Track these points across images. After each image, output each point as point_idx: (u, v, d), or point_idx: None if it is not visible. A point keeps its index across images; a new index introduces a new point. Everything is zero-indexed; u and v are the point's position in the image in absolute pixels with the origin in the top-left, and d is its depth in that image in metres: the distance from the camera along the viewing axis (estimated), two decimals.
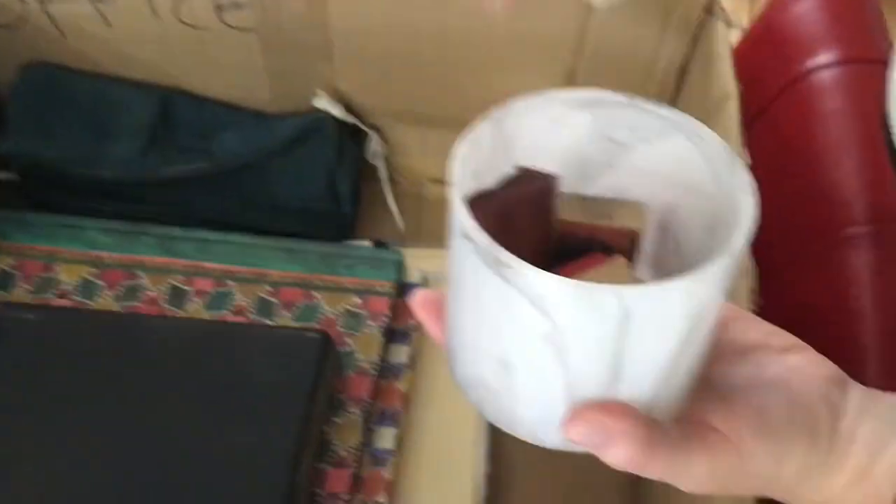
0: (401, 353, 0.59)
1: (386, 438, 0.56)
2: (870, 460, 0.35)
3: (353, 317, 0.58)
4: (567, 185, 0.35)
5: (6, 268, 0.61)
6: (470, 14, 0.57)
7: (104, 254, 0.61)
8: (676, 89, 0.61)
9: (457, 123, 0.66)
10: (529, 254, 0.28)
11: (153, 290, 0.60)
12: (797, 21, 0.70)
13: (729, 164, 0.31)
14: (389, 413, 0.57)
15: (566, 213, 0.35)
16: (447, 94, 0.64)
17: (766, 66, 0.70)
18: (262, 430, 0.49)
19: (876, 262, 0.57)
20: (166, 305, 0.59)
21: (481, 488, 0.57)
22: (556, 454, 0.39)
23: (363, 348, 0.57)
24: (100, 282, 0.60)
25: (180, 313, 0.58)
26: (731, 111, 0.50)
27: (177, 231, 0.62)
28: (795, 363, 0.36)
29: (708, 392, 0.35)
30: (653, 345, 0.30)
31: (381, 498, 0.54)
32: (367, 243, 0.66)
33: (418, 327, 0.61)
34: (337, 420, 0.54)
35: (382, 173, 0.70)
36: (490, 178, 0.34)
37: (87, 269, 0.61)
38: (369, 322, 0.58)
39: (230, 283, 0.60)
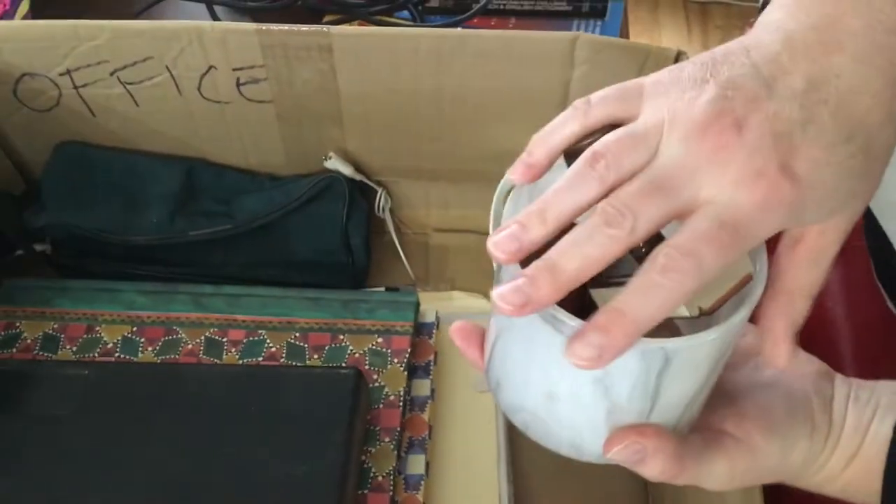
0: (423, 387, 0.64)
1: (416, 465, 0.61)
2: (859, 440, 0.41)
3: (377, 355, 0.63)
4: None
5: (50, 332, 0.65)
6: (463, 76, 0.64)
7: (143, 313, 0.66)
8: None
9: (455, 176, 0.73)
10: (571, 297, 0.33)
11: (190, 343, 0.64)
12: None
13: None
14: (417, 441, 0.62)
15: None
16: (445, 150, 0.70)
17: None
18: (308, 461, 0.54)
19: (845, 277, 0.63)
20: (203, 356, 0.64)
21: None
22: (571, 468, 0.44)
23: (389, 383, 0.62)
24: (140, 339, 0.65)
25: (217, 363, 0.63)
26: None
27: (208, 288, 0.67)
28: None
29: (717, 398, 0.41)
30: (686, 381, 0.36)
31: None
32: (381, 290, 0.72)
33: (437, 362, 0.66)
34: (371, 449, 0.59)
35: (390, 225, 0.76)
36: None
37: (127, 328, 0.65)
38: (393, 359, 0.63)
39: (261, 332, 0.65)
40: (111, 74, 0.64)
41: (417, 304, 0.67)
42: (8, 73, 0.63)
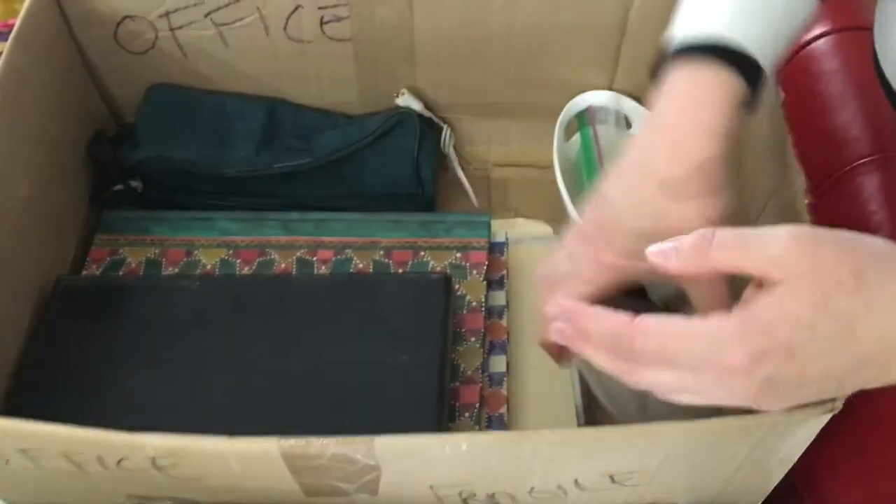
0: (499, 297, 0.70)
1: (499, 364, 0.66)
2: None
3: (457, 268, 0.69)
4: None
5: (152, 256, 0.71)
6: (533, 9, 0.69)
7: (236, 238, 0.71)
8: None
9: (517, 110, 0.78)
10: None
11: (283, 263, 0.70)
12: None
13: None
14: (498, 343, 0.67)
15: None
16: (511, 84, 0.76)
17: None
18: (410, 352, 0.59)
19: (886, 183, 0.69)
20: (296, 273, 0.69)
21: (580, 410, 0.67)
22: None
23: (471, 291, 0.68)
24: (236, 260, 0.70)
25: (316, 274, 0.69)
26: None
27: (294, 214, 0.73)
28: None
29: None
30: None
31: (503, 410, 0.64)
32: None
33: (508, 277, 0.71)
34: (459, 348, 0.64)
35: (454, 160, 0.81)
36: None
37: (223, 252, 0.71)
38: (472, 271, 0.69)
39: (348, 251, 0.70)
40: (205, 16, 0.69)
41: (489, 224, 0.72)
42: (111, 15, 0.68)
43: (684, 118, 0.47)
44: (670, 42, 0.49)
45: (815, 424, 0.47)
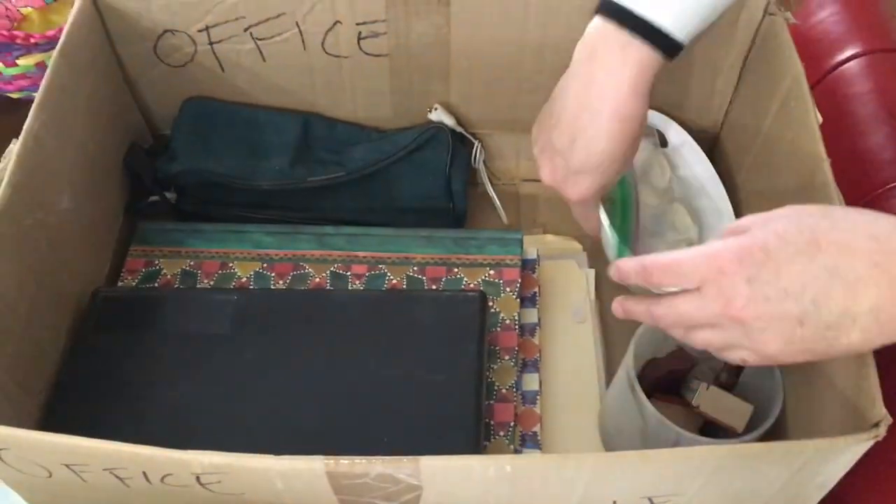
0: (531, 315, 0.70)
1: (531, 382, 0.66)
2: None
3: (490, 285, 0.69)
4: None
5: (188, 268, 0.71)
6: (568, 27, 0.69)
7: (271, 251, 0.72)
8: (738, 79, 0.73)
9: None
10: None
11: (317, 277, 0.70)
12: (822, 24, 0.83)
13: None
14: (530, 362, 0.67)
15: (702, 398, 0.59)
16: (542, 102, 0.76)
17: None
18: (445, 370, 0.60)
19: None
20: (330, 288, 0.70)
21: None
22: None
23: (504, 309, 0.68)
24: (271, 273, 0.71)
25: (351, 290, 0.69)
26: (804, 87, 0.62)
27: (328, 229, 0.73)
28: None
29: None
30: None
31: (536, 428, 0.64)
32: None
33: (540, 294, 0.72)
34: (493, 366, 0.65)
35: (484, 175, 0.82)
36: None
37: (258, 265, 0.71)
38: (505, 288, 0.69)
39: (381, 266, 0.71)
40: (245, 30, 0.69)
41: (522, 241, 0.73)
42: (153, 29, 0.69)
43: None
44: None
45: (858, 450, 0.47)
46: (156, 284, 0.70)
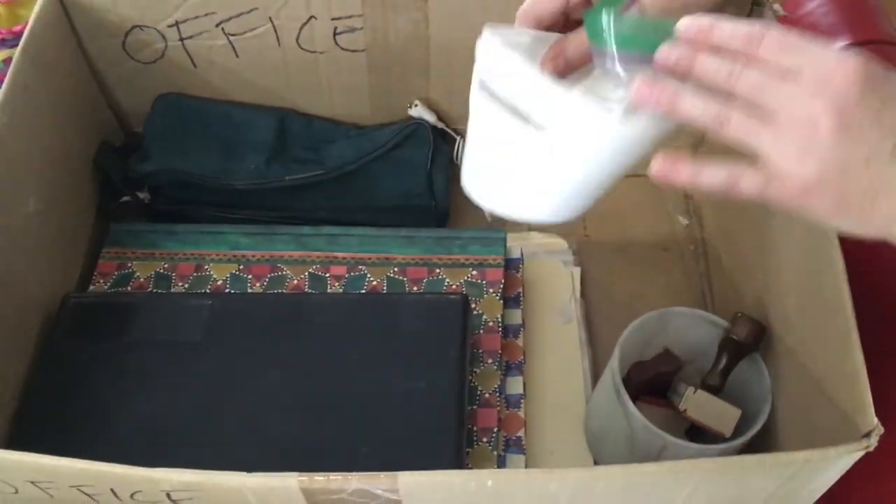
0: (515, 316, 0.68)
1: (515, 385, 0.65)
2: None
3: (473, 286, 0.68)
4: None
5: (162, 271, 0.69)
6: None
7: (247, 252, 0.70)
8: None
9: None
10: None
11: (295, 279, 0.69)
12: (811, 15, 0.81)
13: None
14: (514, 364, 0.66)
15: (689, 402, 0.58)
16: None
17: None
18: (429, 377, 0.58)
19: None
20: (309, 290, 0.68)
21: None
22: None
23: (487, 310, 0.66)
24: (247, 276, 0.69)
25: (331, 293, 0.67)
26: None
27: (306, 229, 0.71)
28: None
29: None
30: None
31: (520, 433, 0.63)
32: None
33: (524, 294, 0.70)
34: (476, 370, 0.63)
35: None
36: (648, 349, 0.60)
37: (234, 267, 0.69)
38: (488, 289, 0.68)
39: (361, 267, 0.69)
40: (217, 26, 0.67)
41: (505, 240, 0.71)
42: (120, 25, 0.67)
43: None
44: None
45: (848, 461, 0.46)
46: (129, 288, 0.68)
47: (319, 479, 0.43)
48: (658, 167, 0.43)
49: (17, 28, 0.76)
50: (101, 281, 0.69)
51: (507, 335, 0.67)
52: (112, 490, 0.46)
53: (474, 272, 0.68)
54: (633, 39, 0.45)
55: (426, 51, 0.70)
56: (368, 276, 0.68)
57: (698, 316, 0.60)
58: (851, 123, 0.39)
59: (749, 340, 0.58)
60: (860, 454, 0.45)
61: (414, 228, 0.71)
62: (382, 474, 0.43)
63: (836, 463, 0.45)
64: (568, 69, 0.49)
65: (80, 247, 0.70)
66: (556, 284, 0.72)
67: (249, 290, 0.68)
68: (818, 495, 0.50)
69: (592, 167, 0.46)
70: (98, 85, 0.72)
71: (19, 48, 0.60)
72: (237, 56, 0.70)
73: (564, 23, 0.52)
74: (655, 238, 0.77)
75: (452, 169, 0.78)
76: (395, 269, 0.69)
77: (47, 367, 0.60)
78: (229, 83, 0.73)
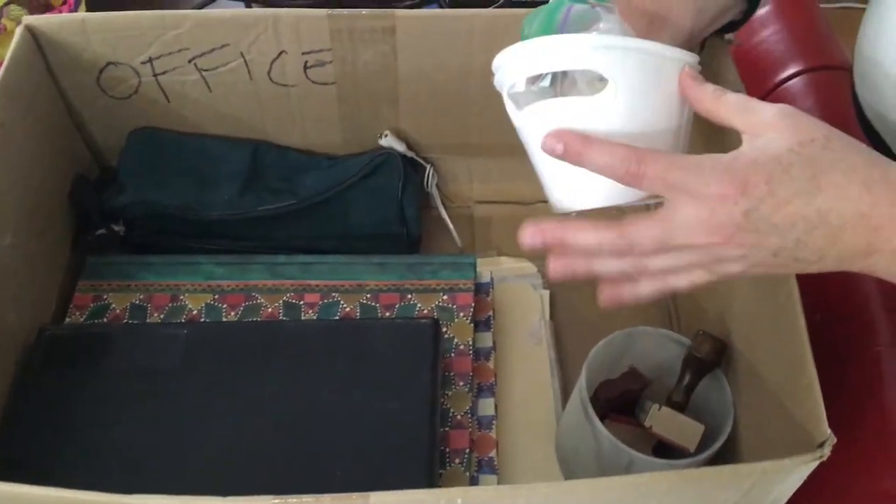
0: (486, 339, 0.70)
1: (487, 407, 0.66)
2: None
3: (444, 311, 0.69)
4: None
5: (137, 302, 0.70)
6: None
7: (222, 282, 0.71)
8: None
9: (497, 150, 0.79)
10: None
11: (270, 307, 0.70)
12: (764, 43, 0.84)
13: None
14: (485, 386, 0.67)
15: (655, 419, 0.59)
16: (491, 125, 0.76)
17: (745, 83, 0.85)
18: (400, 399, 0.59)
19: None
20: (284, 318, 0.69)
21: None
22: None
23: (458, 334, 0.68)
24: (222, 305, 0.70)
25: (305, 320, 0.69)
26: None
27: (280, 258, 0.73)
28: None
29: None
30: None
31: (492, 453, 0.64)
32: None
33: (495, 318, 0.72)
34: (448, 392, 0.65)
35: (437, 199, 0.82)
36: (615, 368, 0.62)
37: (209, 297, 0.70)
38: (459, 313, 0.69)
39: (335, 294, 0.70)
40: (189, 61, 0.69)
41: (475, 265, 0.73)
42: (94, 61, 0.68)
43: None
44: None
45: (804, 470, 0.47)
46: (105, 320, 0.69)
47: (293, 501, 0.44)
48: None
49: None
50: (78, 313, 0.70)
51: (478, 358, 0.68)
52: None
53: (445, 297, 0.70)
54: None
55: (395, 82, 0.72)
56: (342, 303, 0.70)
57: (663, 335, 0.62)
58: (744, 243, 0.43)
59: (711, 357, 0.60)
60: (815, 464, 0.47)
61: (386, 255, 0.73)
62: (355, 495, 0.44)
63: (792, 473, 0.47)
64: None
65: (56, 279, 0.71)
66: (526, 307, 0.74)
67: (224, 320, 0.69)
68: (782, 502, 0.52)
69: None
70: (73, 120, 0.73)
71: None
72: (210, 90, 0.72)
73: None
74: None
75: (423, 196, 0.80)
76: (368, 296, 0.70)
77: (24, 398, 0.61)
78: (203, 117, 0.74)
